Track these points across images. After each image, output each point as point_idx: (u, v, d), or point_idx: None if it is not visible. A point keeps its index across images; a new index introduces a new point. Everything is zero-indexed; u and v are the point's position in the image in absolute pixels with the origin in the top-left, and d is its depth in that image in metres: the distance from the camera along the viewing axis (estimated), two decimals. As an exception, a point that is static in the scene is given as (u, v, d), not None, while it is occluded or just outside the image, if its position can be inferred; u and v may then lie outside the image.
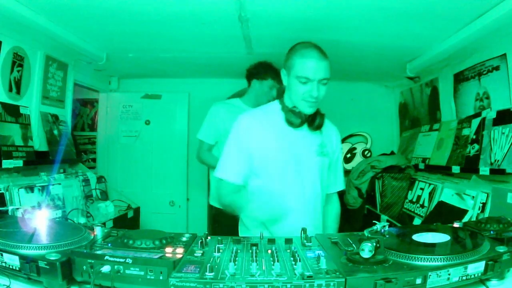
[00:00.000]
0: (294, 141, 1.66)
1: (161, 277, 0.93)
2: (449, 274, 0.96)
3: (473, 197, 1.98)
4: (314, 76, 1.56)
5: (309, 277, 0.90)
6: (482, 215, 1.84)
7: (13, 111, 2.25)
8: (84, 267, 0.96)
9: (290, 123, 1.64)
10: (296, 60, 1.59)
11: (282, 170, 1.64)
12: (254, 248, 1.10)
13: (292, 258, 1.03)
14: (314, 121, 1.67)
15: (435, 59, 2.60)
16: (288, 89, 1.67)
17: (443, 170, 2.57)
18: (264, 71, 2.78)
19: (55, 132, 2.70)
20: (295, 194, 1.63)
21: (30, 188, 2.06)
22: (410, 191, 2.78)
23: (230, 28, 2.26)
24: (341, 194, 1.91)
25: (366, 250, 0.98)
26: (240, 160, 1.66)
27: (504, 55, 2.10)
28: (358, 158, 3.85)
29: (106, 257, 0.96)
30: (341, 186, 1.89)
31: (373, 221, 1.27)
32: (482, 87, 2.35)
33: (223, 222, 2.72)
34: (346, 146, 3.90)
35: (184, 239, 1.18)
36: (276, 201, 1.54)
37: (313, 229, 1.56)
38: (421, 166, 2.85)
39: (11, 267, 1.00)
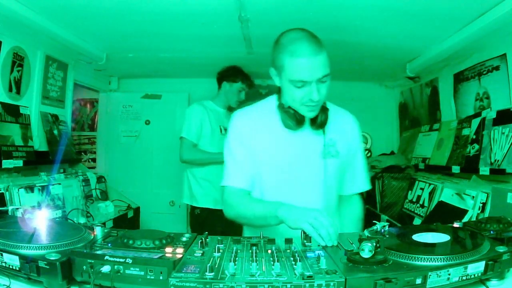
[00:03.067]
0: (293, 145, 1.46)
1: (161, 277, 0.93)
2: (449, 274, 0.96)
3: (473, 197, 1.98)
4: (311, 77, 1.31)
5: (309, 277, 0.90)
6: (482, 215, 1.84)
7: (13, 111, 2.25)
8: (84, 267, 0.96)
9: (286, 125, 1.44)
10: (285, 60, 1.33)
11: (279, 180, 1.46)
12: (254, 248, 1.10)
13: (292, 258, 1.03)
14: (315, 119, 1.44)
15: (435, 59, 2.60)
16: (282, 91, 1.45)
17: (443, 170, 2.57)
18: (234, 74, 2.91)
19: (55, 132, 2.70)
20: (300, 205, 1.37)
21: (30, 188, 2.06)
22: (410, 191, 2.78)
23: (230, 28, 2.26)
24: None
25: (366, 250, 0.98)
26: (246, 161, 1.46)
27: (504, 55, 2.10)
28: (358, 158, 3.84)
29: (106, 257, 0.96)
30: (363, 186, 1.63)
31: (373, 221, 1.27)
32: (482, 87, 2.35)
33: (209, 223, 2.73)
34: (346, 146, 3.89)
35: (184, 239, 1.18)
36: None
37: None
38: (421, 166, 2.85)
39: (11, 267, 1.00)
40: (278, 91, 1.52)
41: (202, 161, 2.81)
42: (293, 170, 1.46)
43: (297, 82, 1.33)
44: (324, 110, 1.45)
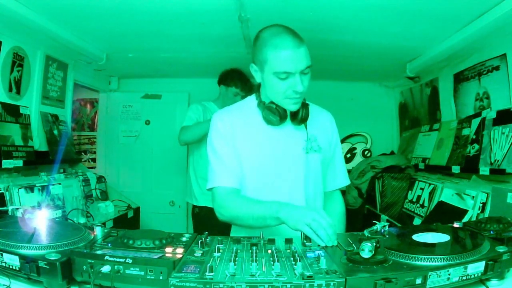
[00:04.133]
0: (275, 141, 1.47)
1: (161, 277, 0.93)
2: (449, 274, 0.96)
3: (473, 197, 1.98)
4: (295, 68, 1.34)
5: (309, 277, 0.90)
6: (482, 215, 1.84)
7: (13, 111, 2.25)
8: (84, 267, 0.96)
9: (268, 121, 1.45)
10: (269, 54, 1.35)
11: (264, 177, 1.46)
12: (254, 248, 1.10)
13: (292, 258, 1.03)
14: (297, 114, 1.45)
15: (435, 59, 2.60)
16: (264, 86, 1.46)
17: (443, 170, 2.57)
18: (230, 79, 2.92)
19: (55, 132, 2.70)
20: (284, 200, 1.37)
21: (30, 188, 2.06)
22: (410, 191, 2.78)
23: (230, 28, 2.26)
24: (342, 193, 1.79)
25: (366, 250, 0.98)
26: (233, 160, 1.45)
27: (504, 55, 2.10)
28: (358, 158, 3.86)
29: (106, 257, 0.96)
30: (342, 182, 1.67)
31: (373, 221, 1.27)
32: (482, 87, 2.35)
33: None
34: (346, 146, 3.90)
35: (184, 239, 1.18)
36: None
37: None
38: (421, 166, 2.85)
39: (11, 267, 1.00)
40: (257, 89, 1.55)
41: (199, 133, 2.64)
42: (276, 166, 1.47)
43: (281, 73, 1.35)
44: (305, 105, 1.47)
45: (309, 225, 1.19)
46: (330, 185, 1.64)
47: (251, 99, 1.56)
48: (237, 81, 2.93)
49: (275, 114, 1.44)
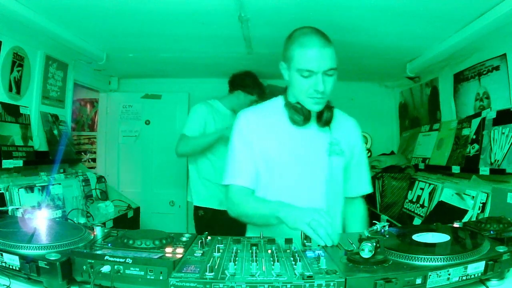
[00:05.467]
0: (299, 141, 1.50)
1: (161, 277, 0.93)
2: (449, 274, 0.96)
3: (473, 197, 1.98)
4: (318, 68, 1.37)
5: (309, 277, 0.90)
6: (482, 215, 1.84)
7: (13, 111, 2.25)
8: (84, 267, 0.96)
9: (293, 121, 1.49)
10: (295, 51, 1.40)
11: (286, 176, 1.49)
12: (254, 248, 1.10)
13: (292, 258, 1.03)
14: (321, 116, 1.49)
15: (435, 59, 2.60)
16: (290, 85, 1.50)
17: (443, 170, 2.57)
18: (252, 86, 2.90)
19: (55, 132, 2.70)
20: (303, 203, 1.38)
21: (30, 188, 2.06)
22: (410, 191, 2.79)
23: (230, 28, 2.26)
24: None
25: (366, 250, 0.98)
26: (249, 160, 1.49)
27: (504, 55, 2.10)
28: (358, 158, 3.85)
29: (106, 257, 0.96)
30: (366, 189, 1.68)
31: (373, 221, 1.27)
32: (482, 87, 2.35)
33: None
34: (346, 146, 3.89)
35: (184, 239, 1.18)
36: None
37: None
38: (421, 166, 2.85)
39: (11, 267, 1.00)
40: (284, 91, 1.58)
41: (198, 146, 2.70)
42: (299, 167, 1.49)
43: (304, 71, 1.39)
44: (329, 107, 1.51)
45: (309, 224, 1.20)
46: (353, 191, 1.66)
47: (278, 100, 1.59)
48: (258, 90, 2.92)
49: (300, 113, 1.47)
